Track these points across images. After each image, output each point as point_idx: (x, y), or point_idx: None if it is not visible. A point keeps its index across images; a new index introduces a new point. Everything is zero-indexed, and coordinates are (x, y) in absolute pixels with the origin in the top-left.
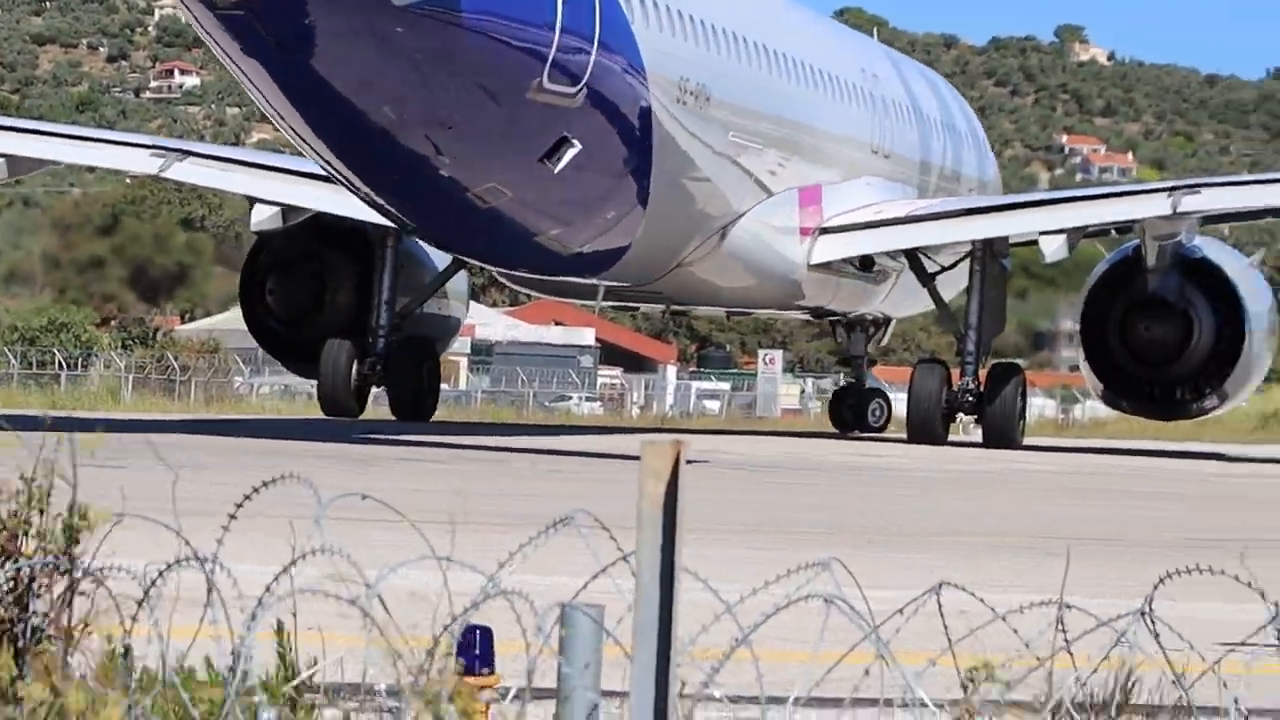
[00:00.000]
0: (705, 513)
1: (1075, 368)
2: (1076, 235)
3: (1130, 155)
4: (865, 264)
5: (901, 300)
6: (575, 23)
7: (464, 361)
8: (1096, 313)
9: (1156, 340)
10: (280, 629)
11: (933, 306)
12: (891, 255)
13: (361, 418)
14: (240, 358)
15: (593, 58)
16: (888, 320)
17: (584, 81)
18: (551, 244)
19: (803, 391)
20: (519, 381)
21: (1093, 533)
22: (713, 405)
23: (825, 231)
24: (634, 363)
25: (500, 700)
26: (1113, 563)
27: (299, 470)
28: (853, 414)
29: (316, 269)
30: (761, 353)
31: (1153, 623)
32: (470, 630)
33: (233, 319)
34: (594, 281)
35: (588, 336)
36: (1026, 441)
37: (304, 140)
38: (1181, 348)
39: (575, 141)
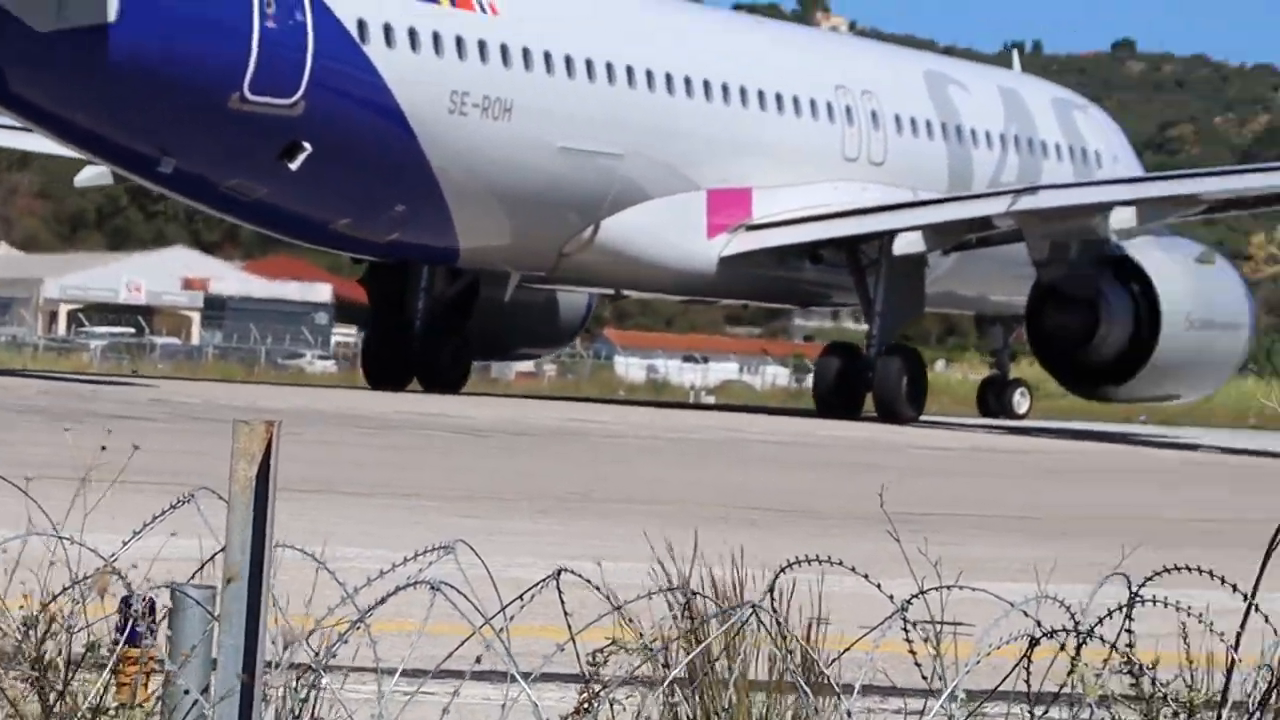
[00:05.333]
0: (419, 479)
1: (809, 337)
2: (930, 232)
3: None
4: (815, 257)
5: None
6: (276, 47)
7: (197, 316)
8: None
9: (1060, 326)
10: None
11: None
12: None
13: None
14: None
15: (306, 74)
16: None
17: (300, 94)
18: (353, 232)
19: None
20: (251, 338)
21: (770, 503)
22: None
23: (753, 228)
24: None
25: (158, 670)
26: (778, 536)
27: None
28: (998, 402)
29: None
30: None
31: (774, 606)
32: (129, 600)
33: None
34: (506, 269)
35: (324, 293)
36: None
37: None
38: (1089, 335)
39: (306, 145)
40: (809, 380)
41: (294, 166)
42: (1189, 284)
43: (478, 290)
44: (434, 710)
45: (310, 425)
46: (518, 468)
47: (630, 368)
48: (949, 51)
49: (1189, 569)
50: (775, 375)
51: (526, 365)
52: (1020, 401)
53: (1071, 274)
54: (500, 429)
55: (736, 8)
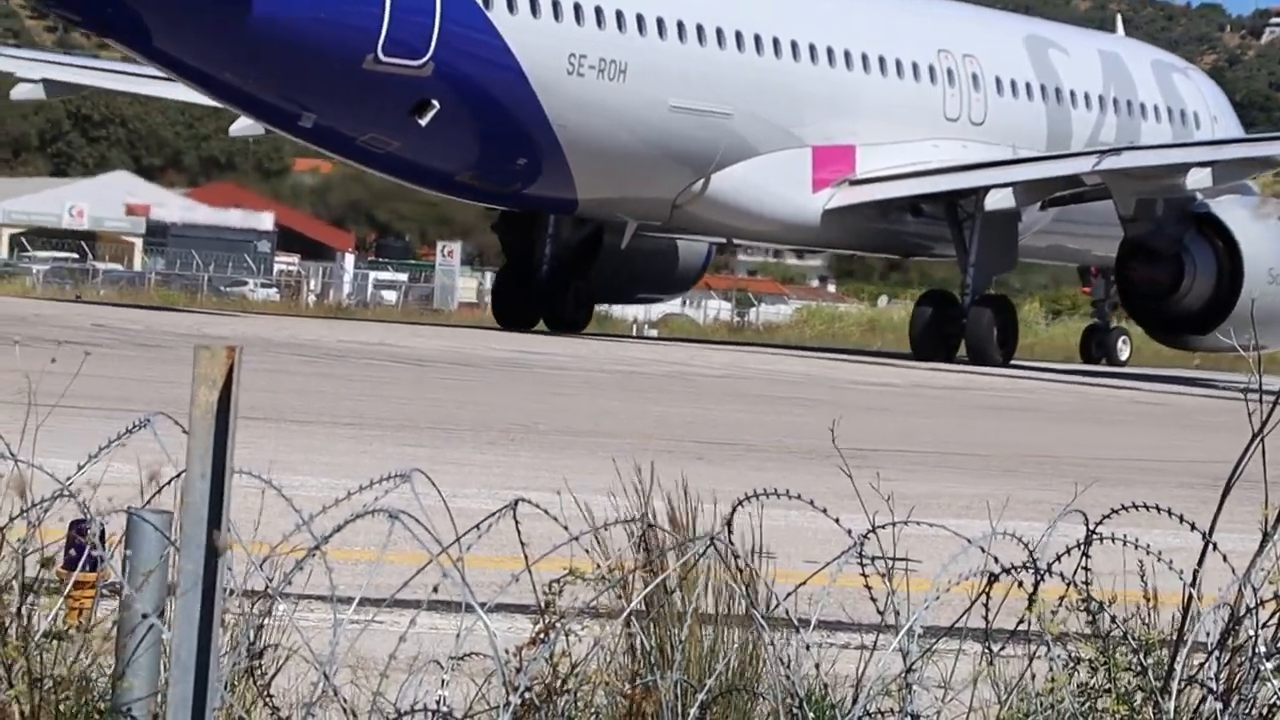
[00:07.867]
0: (362, 408)
1: (753, 272)
2: (1021, 189)
3: None
4: (915, 211)
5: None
6: (407, 12)
7: (139, 243)
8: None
9: (1146, 279)
10: None
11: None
12: (925, 203)
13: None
14: None
15: (435, 38)
16: None
17: (428, 55)
18: (478, 183)
19: (480, 285)
20: (194, 265)
21: (715, 437)
22: (390, 295)
23: (856, 183)
24: (312, 249)
25: (107, 595)
26: (724, 471)
27: None
28: (1100, 349)
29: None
30: (440, 244)
31: (729, 540)
32: (79, 525)
33: None
34: (623, 219)
35: (266, 221)
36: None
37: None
38: (1174, 287)
39: (435, 102)
40: (751, 315)
41: (423, 123)
42: (1272, 240)
43: (602, 238)
44: (390, 639)
45: (253, 352)
46: (462, 399)
47: None
48: None
49: (1147, 507)
50: (719, 309)
51: (469, 296)
52: (1122, 349)
53: (1157, 230)
54: (444, 360)
55: None
